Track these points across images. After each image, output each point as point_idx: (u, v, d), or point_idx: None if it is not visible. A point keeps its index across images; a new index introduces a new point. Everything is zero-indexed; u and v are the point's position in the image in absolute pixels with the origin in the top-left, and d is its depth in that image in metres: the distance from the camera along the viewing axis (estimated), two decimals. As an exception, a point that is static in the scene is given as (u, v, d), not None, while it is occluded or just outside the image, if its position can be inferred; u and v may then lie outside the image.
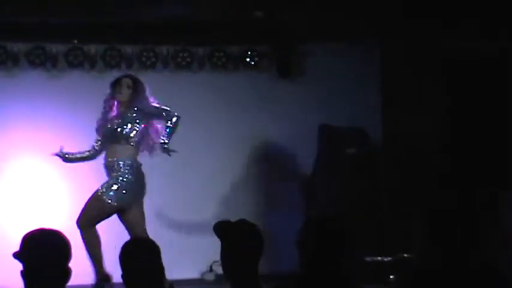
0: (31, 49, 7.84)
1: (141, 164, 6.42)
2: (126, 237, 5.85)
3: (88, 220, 6.25)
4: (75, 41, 7.91)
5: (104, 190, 6.26)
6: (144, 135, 6.42)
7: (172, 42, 8.18)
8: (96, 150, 6.58)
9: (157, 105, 6.45)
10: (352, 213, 7.31)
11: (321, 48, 8.39)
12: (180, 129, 7.98)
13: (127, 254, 3.36)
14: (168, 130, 6.41)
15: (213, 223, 3.60)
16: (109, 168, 6.35)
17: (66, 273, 3.04)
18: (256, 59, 8.33)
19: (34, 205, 7.75)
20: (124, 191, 6.26)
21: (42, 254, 3.04)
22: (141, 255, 3.34)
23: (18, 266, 3.10)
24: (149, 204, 7.85)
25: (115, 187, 6.26)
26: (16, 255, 3.08)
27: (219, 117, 8.29)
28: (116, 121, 6.40)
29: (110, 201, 6.24)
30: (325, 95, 8.39)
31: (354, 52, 8.39)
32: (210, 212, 7.69)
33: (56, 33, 7.82)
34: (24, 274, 3.05)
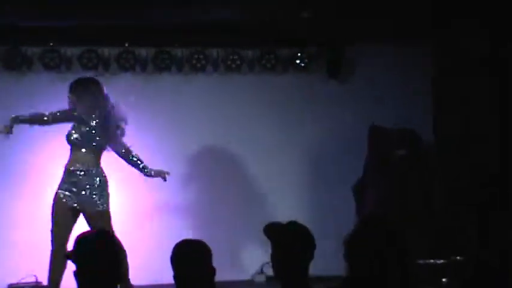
0: (84, 52, 7.94)
1: None
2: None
3: None
4: (126, 44, 7.99)
5: None
6: None
7: (222, 44, 8.20)
8: None
9: None
10: (403, 215, 7.24)
11: (371, 48, 8.33)
12: (230, 131, 8.07)
13: (179, 255, 3.38)
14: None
15: (263, 225, 3.60)
16: None
17: (118, 273, 3.06)
18: (306, 60, 8.32)
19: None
20: None
21: (93, 254, 3.06)
22: (193, 257, 3.36)
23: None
24: (202, 207, 7.98)
25: None
26: (68, 256, 3.11)
27: (269, 119, 8.29)
28: None
29: None
30: (375, 96, 8.34)
31: (403, 52, 8.31)
32: (259, 214, 7.69)
33: (108, 37, 7.90)
34: (76, 274, 3.07)
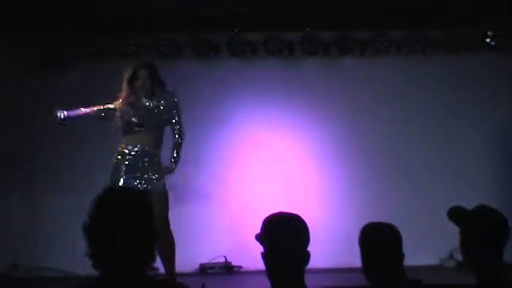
0: (268, 38, 8.06)
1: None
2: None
3: None
4: (308, 29, 8.03)
5: None
6: None
7: (405, 26, 8.06)
8: None
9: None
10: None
11: None
12: (411, 115, 7.93)
13: (367, 237, 3.36)
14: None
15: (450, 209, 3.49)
16: None
17: (305, 256, 3.08)
18: (497, 39, 8.00)
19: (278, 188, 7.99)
20: None
21: (281, 237, 3.09)
22: (381, 239, 3.33)
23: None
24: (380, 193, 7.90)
25: None
26: (257, 238, 3.16)
27: (460, 102, 8.09)
28: None
29: None
30: None
31: None
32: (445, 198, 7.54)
33: (290, 22, 7.97)
34: (264, 256, 3.12)
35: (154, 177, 6.07)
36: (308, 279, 3.10)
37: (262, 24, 7.95)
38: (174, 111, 6.23)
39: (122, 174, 6.05)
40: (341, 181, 8.03)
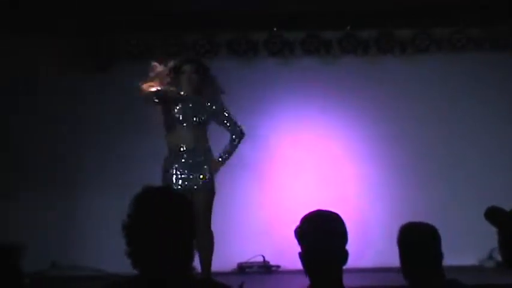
0: (306, 37, 8.05)
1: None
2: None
3: None
4: (348, 28, 8.00)
5: None
6: None
7: (448, 23, 7.99)
8: None
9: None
10: None
11: None
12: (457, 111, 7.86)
13: (405, 237, 3.34)
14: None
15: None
16: None
17: (344, 255, 3.07)
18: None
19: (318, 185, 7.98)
20: None
21: (319, 235, 3.08)
22: (420, 239, 3.31)
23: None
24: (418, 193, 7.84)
25: None
26: (296, 233, 3.15)
27: (499, 100, 8.01)
28: None
29: None
30: None
31: None
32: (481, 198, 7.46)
33: (330, 21, 7.95)
34: (302, 256, 3.11)
35: (202, 175, 6.02)
36: (347, 279, 3.09)
37: (300, 23, 7.94)
38: (222, 111, 6.19)
39: (173, 172, 5.99)
40: (379, 180, 7.98)
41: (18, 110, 7.90)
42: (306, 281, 3.09)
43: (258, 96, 7.99)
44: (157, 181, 5.94)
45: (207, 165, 6.06)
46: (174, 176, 5.99)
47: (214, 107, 6.15)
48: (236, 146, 6.24)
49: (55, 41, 7.86)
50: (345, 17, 7.92)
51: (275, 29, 8.01)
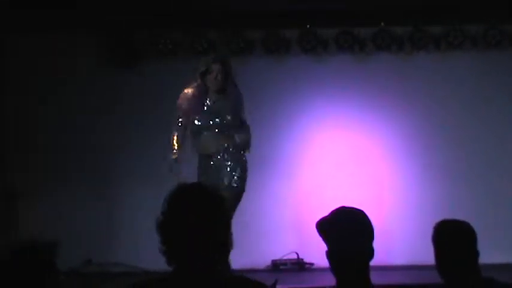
0: (339, 34, 8.02)
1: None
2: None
3: None
4: (382, 24, 7.96)
5: None
6: None
7: (480, 20, 7.91)
8: None
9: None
10: None
11: None
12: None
13: (441, 235, 3.32)
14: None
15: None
16: None
17: (370, 253, 3.05)
18: None
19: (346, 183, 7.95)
20: None
21: (343, 234, 3.07)
22: (456, 237, 3.29)
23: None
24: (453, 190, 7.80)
25: None
26: (318, 229, 3.13)
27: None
28: None
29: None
30: None
31: None
32: None
33: (363, 18, 7.92)
34: (328, 255, 3.10)
35: (231, 175, 6.05)
36: (382, 276, 3.08)
37: (334, 19, 7.92)
38: (238, 115, 6.18)
39: (205, 177, 6.05)
40: (413, 178, 7.94)
41: (51, 109, 7.97)
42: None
43: (291, 94, 7.98)
44: (192, 178, 5.98)
45: (238, 167, 6.09)
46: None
47: (232, 111, 6.14)
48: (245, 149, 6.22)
49: (86, 40, 7.93)
50: (378, 14, 7.88)
51: (308, 26, 7.99)
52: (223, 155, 6.10)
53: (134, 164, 7.95)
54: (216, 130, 6.10)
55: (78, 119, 7.94)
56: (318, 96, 8.01)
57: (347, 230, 3.03)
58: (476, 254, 3.31)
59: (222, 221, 2.62)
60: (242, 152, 6.20)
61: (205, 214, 2.58)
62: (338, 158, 7.98)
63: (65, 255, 2.97)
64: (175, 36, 7.99)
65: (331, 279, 3.07)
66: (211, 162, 6.09)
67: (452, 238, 3.31)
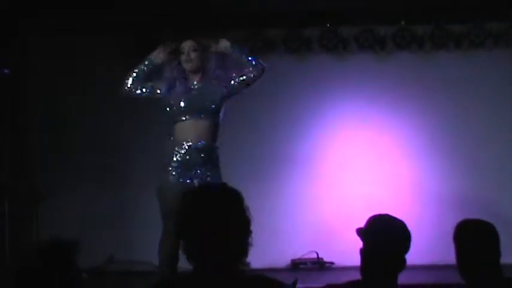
0: (360, 32, 8.01)
1: None
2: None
3: None
4: (402, 23, 7.94)
5: None
6: None
7: (502, 18, 7.87)
8: None
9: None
10: None
11: None
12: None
13: (462, 235, 3.31)
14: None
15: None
16: None
17: (402, 262, 3.08)
18: None
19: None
20: None
21: (382, 238, 3.09)
22: (477, 237, 3.28)
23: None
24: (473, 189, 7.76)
25: None
26: (359, 232, 3.16)
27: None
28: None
29: None
30: None
31: None
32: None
33: (384, 16, 7.91)
34: (363, 252, 3.11)
35: (209, 174, 5.29)
36: (402, 276, 3.08)
37: (354, 18, 7.91)
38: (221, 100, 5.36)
39: (173, 174, 5.35)
40: (434, 177, 7.91)
41: (73, 110, 8.01)
42: (358, 277, 3.10)
43: (311, 93, 7.98)
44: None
45: (215, 166, 5.35)
46: (174, 179, 5.40)
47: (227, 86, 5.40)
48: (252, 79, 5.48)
49: (107, 40, 7.96)
50: (399, 12, 7.86)
51: (329, 25, 7.98)
52: (199, 151, 5.31)
53: (156, 164, 7.95)
54: (193, 118, 5.32)
55: (100, 119, 7.98)
56: (338, 95, 8.01)
57: (386, 236, 3.12)
58: (498, 254, 3.30)
59: (241, 220, 2.63)
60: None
61: (224, 213, 2.60)
62: (358, 157, 7.97)
63: (86, 253, 2.99)
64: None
65: (351, 278, 3.08)
66: (178, 159, 5.33)
67: (475, 238, 3.30)
